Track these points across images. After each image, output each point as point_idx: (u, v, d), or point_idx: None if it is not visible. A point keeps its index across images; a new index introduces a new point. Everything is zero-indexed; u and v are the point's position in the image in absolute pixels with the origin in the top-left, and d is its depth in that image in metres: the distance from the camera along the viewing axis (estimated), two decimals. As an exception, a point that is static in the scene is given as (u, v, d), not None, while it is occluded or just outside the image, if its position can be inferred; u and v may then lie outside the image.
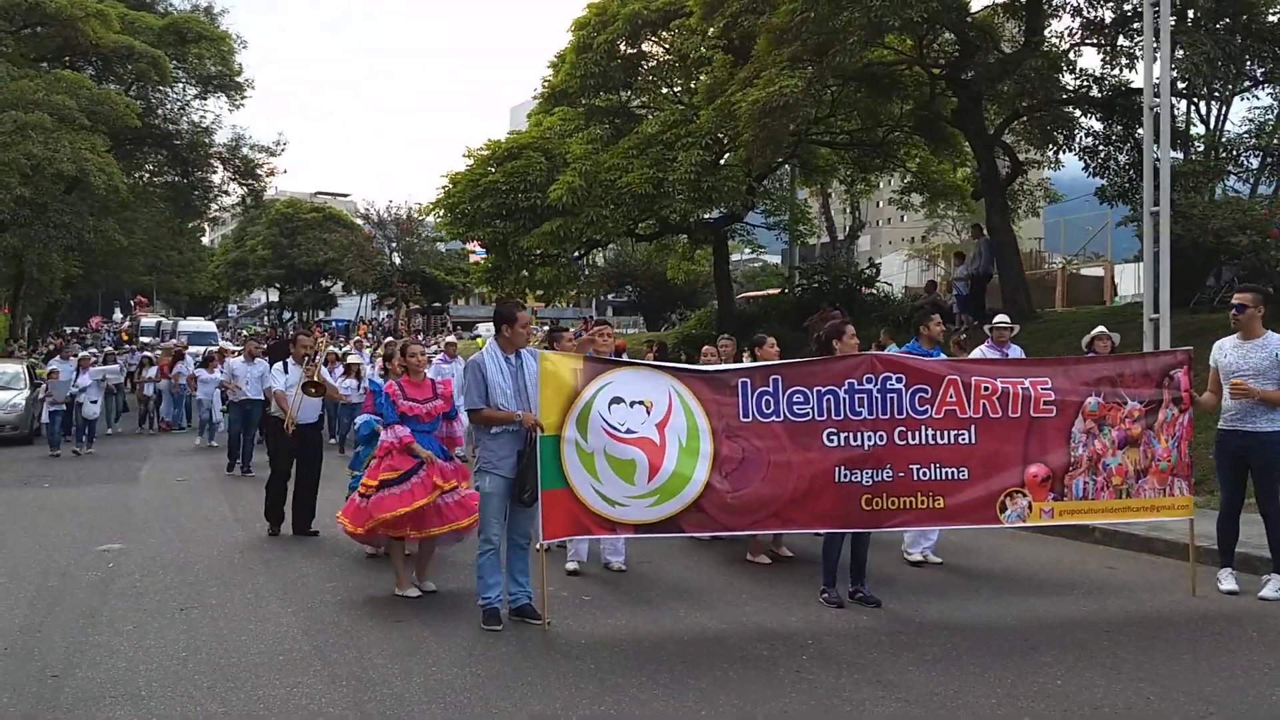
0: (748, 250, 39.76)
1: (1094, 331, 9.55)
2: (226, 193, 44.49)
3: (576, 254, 25.13)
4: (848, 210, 38.06)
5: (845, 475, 6.57)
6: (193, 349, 26.07)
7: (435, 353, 16.64)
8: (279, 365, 10.25)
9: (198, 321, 47.66)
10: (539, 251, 23.58)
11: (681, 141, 21.71)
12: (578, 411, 6.38)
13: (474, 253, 75.46)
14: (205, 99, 41.90)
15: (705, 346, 9.14)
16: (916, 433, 6.70)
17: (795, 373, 6.76)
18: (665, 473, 6.41)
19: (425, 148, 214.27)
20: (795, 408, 6.62)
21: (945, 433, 6.74)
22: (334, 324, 68.73)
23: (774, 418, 6.60)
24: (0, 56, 30.68)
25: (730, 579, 7.80)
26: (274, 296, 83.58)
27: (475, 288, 36.38)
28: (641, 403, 6.48)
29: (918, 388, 6.75)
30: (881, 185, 36.10)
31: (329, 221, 72.34)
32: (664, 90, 26.85)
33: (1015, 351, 9.02)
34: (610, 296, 56.99)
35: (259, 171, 43.55)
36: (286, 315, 79.41)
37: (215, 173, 43.22)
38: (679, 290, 41.11)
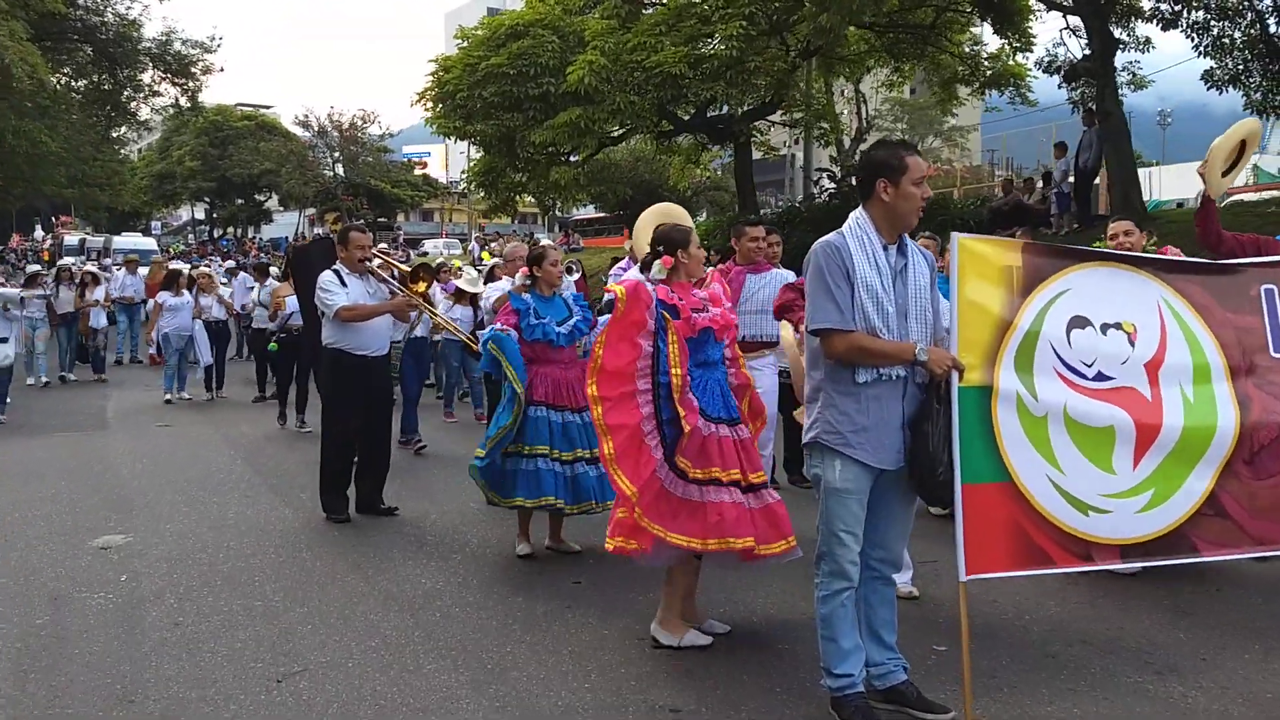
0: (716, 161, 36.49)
1: None
2: (158, 93, 40.18)
3: (594, 151, 21.83)
4: (850, 109, 35.06)
5: None
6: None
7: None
8: (330, 278, 7.09)
9: (134, 238, 43.39)
10: (549, 148, 20.38)
11: (720, 13, 18.59)
12: (1017, 342, 3.60)
13: (422, 164, 71.75)
14: (132, -13, 37.39)
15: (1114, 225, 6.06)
16: None
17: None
18: (1163, 448, 3.67)
19: (349, 59, 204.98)
20: (1352, 331, 3.90)
21: None
22: (256, 241, 64.22)
23: (1320, 349, 3.88)
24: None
25: (1107, 614, 5.13)
26: (200, 213, 78.43)
27: (469, 192, 32.75)
28: (1119, 326, 3.71)
29: None
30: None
31: (262, 131, 67.59)
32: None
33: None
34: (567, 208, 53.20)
35: (193, 70, 39.32)
36: (217, 233, 74.44)
37: (145, 71, 38.88)
38: (667, 198, 38.00)
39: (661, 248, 4.52)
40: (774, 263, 7.09)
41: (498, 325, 5.88)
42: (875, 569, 3.75)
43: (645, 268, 4.55)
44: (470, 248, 43.71)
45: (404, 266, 7.74)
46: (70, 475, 8.64)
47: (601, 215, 46.87)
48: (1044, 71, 21.19)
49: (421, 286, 7.54)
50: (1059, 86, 20.93)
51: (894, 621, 3.81)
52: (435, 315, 8.24)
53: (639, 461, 4.22)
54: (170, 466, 8.99)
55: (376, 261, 7.52)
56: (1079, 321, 3.67)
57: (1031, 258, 3.67)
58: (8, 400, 11.89)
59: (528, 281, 6.04)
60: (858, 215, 3.62)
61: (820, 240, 3.62)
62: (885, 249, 3.60)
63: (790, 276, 6.77)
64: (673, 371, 4.28)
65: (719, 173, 37.96)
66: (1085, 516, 3.60)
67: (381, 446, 7.26)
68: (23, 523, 6.97)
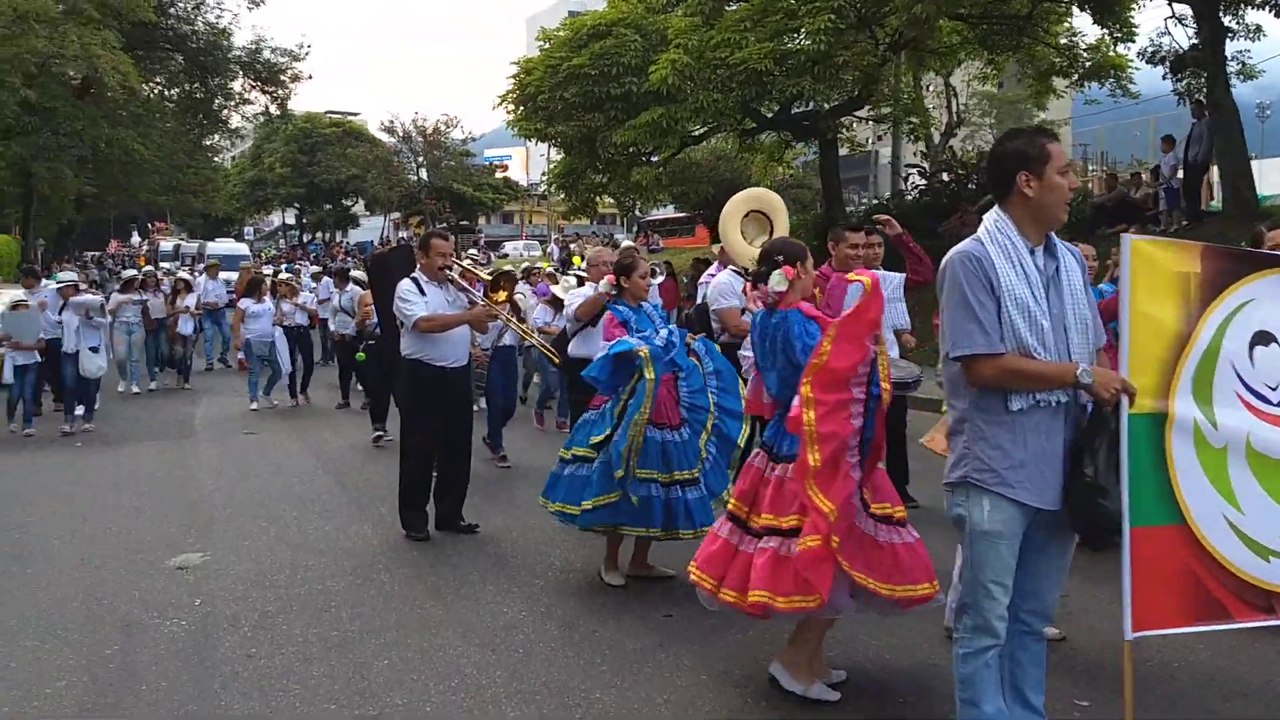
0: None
1: None
2: (249, 101, 40.93)
3: (675, 151, 21.44)
4: (939, 104, 34.05)
5: None
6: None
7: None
8: (408, 287, 6.78)
9: (228, 244, 43.96)
10: (630, 149, 20.07)
11: (807, 7, 18.06)
12: (1195, 361, 3.12)
13: (503, 167, 72.20)
14: (222, -6, 38.15)
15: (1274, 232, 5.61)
16: None
17: None
18: (1353, 484, 3.16)
19: (432, 66, 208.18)
20: None
21: None
22: (344, 245, 65.11)
23: None
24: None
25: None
26: (290, 219, 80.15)
27: (549, 193, 32.48)
28: (1307, 340, 3.22)
29: None
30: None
31: (349, 137, 68.78)
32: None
33: None
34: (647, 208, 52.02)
35: (282, 77, 40.00)
36: (306, 237, 75.91)
37: (235, 79, 39.64)
38: (747, 199, 37.26)
39: (781, 258, 4.10)
40: (872, 265, 6.67)
41: (632, 340, 5.41)
42: (1025, 622, 3.26)
43: (760, 279, 4.13)
44: (550, 249, 43.66)
45: (485, 275, 7.44)
46: (153, 486, 8.55)
47: (677, 215, 45.84)
48: (1148, 62, 20.24)
49: (502, 296, 7.21)
50: (1163, 78, 20.01)
51: (1043, 681, 3.33)
52: (516, 326, 7.91)
53: (835, 478, 3.73)
54: (253, 478, 8.85)
55: (457, 270, 7.25)
56: (1263, 338, 3.18)
57: (1211, 263, 3.17)
58: (96, 407, 11.92)
59: (613, 291, 5.67)
60: (995, 218, 3.16)
61: (955, 250, 3.17)
62: (1032, 252, 3.13)
63: (892, 277, 6.38)
64: (884, 385, 3.84)
65: (801, 170, 37.22)
66: (1265, 563, 3.11)
67: (461, 460, 6.97)
68: (102, 538, 6.85)
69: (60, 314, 11.61)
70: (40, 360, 11.40)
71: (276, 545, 6.59)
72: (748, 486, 4.18)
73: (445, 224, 67.50)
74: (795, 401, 3.79)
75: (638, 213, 53.30)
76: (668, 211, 51.71)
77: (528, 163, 79.15)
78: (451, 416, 6.82)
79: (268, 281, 14.60)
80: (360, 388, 12.54)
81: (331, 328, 13.16)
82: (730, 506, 4.23)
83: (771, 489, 4.03)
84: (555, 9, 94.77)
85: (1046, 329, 3.06)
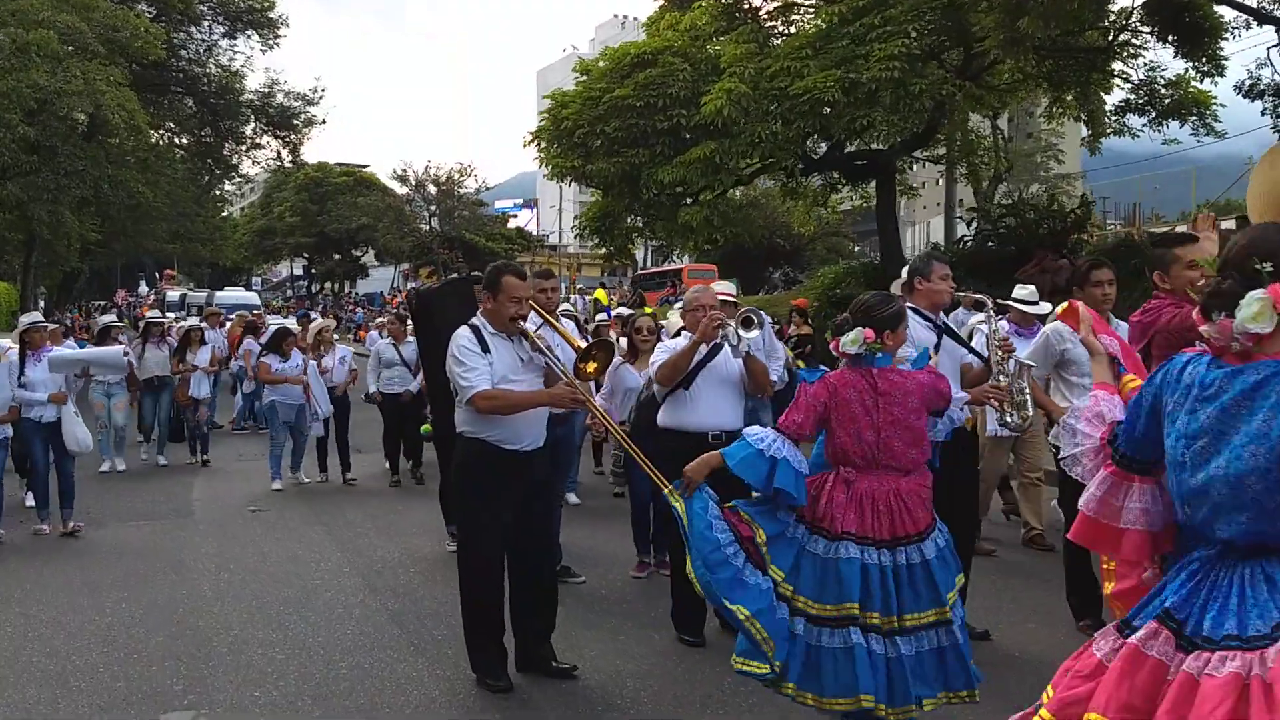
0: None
1: None
2: (260, 145, 39.59)
3: (725, 189, 19.70)
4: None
5: None
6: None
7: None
8: (466, 342, 4.75)
9: (236, 292, 42.40)
10: (679, 187, 18.37)
11: (876, 32, 16.49)
12: None
13: (512, 215, 71.36)
14: (234, 38, 37.08)
15: None
16: None
17: None
18: None
19: (442, 118, 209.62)
20: None
21: None
22: (353, 296, 63.85)
23: None
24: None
25: None
26: (298, 269, 79.07)
27: (583, 238, 30.35)
28: None
29: None
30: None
31: (360, 186, 67.91)
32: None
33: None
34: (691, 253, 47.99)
35: (295, 122, 38.79)
36: (315, 288, 74.68)
37: (247, 123, 38.38)
38: (779, 248, 35.67)
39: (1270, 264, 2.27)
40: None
41: None
42: None
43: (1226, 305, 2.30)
44: (574, 300, 41.79)
45: (577, 340, 5.51)
46: (133, 596, 6.60)
47: (658, 269, 42.13)
48: (1244, 95, 18.61)
49: (592, 368, 5.15)
50: (1262, 113, 18.39)
51: None
52: (599, 411, 5.66)
53: None
54: (264, 579, 6.94)
55: (534, 323, 5.25)
56: None
57: None
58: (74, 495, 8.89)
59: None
60: None
61: None
62: None
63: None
64: None
65: (842, 217, 35.62)
66: None
67: (544, 576, 5.08)
68: (60, 682, 4.95)
69: (25, 371, 8.49)
70: (7, 436, 8.54)
71: (298, 697, 4.70)
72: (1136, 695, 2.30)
73: (457, 273, 65.96)
74: None
75: (621, 262, 50.50)
76: (661, 264, 48.47)
77: (538, 214, 78.17)
78: (525, 516, 4.91)
79: (294, 334, 12.06)
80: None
81: (372, 388, 11.12)
82: None
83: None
84: (566, 60, 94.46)
85: None
